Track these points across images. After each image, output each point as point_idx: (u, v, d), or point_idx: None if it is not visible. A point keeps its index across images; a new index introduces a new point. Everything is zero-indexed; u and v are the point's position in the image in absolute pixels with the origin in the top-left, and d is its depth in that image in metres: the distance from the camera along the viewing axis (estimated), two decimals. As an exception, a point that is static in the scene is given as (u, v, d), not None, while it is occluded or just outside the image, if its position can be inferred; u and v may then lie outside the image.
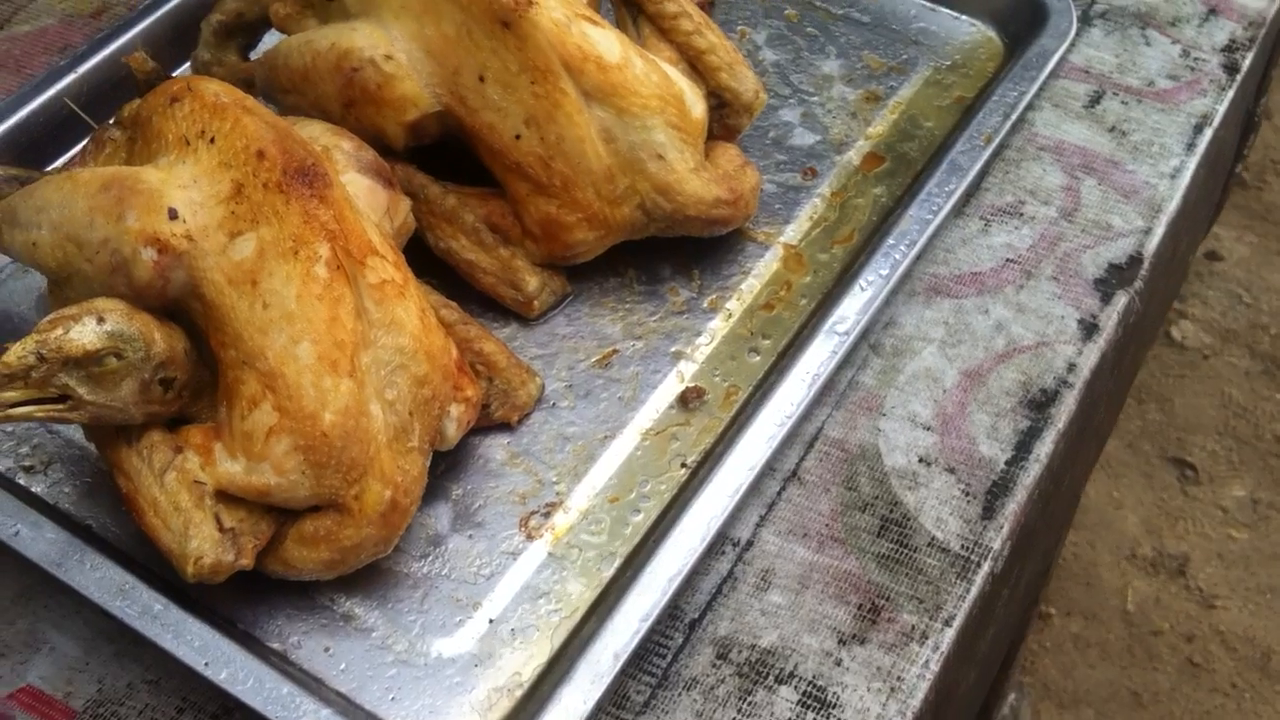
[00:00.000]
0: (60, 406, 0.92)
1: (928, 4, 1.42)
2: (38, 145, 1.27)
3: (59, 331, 0.90)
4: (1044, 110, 1.32)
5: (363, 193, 1.03)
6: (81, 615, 1.00)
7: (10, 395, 0.90)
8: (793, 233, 1.23)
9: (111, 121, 1.09)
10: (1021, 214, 1.22)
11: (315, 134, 1.06)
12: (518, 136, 1.11)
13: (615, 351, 1.15)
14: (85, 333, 0.91)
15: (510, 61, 1.09)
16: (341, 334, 0.93)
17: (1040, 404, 1.08)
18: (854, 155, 1.29)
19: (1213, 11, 1.41)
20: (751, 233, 1.22)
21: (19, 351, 0.89)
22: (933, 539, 1.00)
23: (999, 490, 1.02)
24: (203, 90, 1.00)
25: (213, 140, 0.98)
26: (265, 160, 0.95)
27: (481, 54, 1.10)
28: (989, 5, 1.39)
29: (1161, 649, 2.56)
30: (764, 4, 1.44)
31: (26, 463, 1.07)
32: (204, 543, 0.92)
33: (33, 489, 1.06)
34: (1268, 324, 3.10)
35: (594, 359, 1.14)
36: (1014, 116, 1.23)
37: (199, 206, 0.96)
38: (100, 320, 0.92)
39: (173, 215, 0.94)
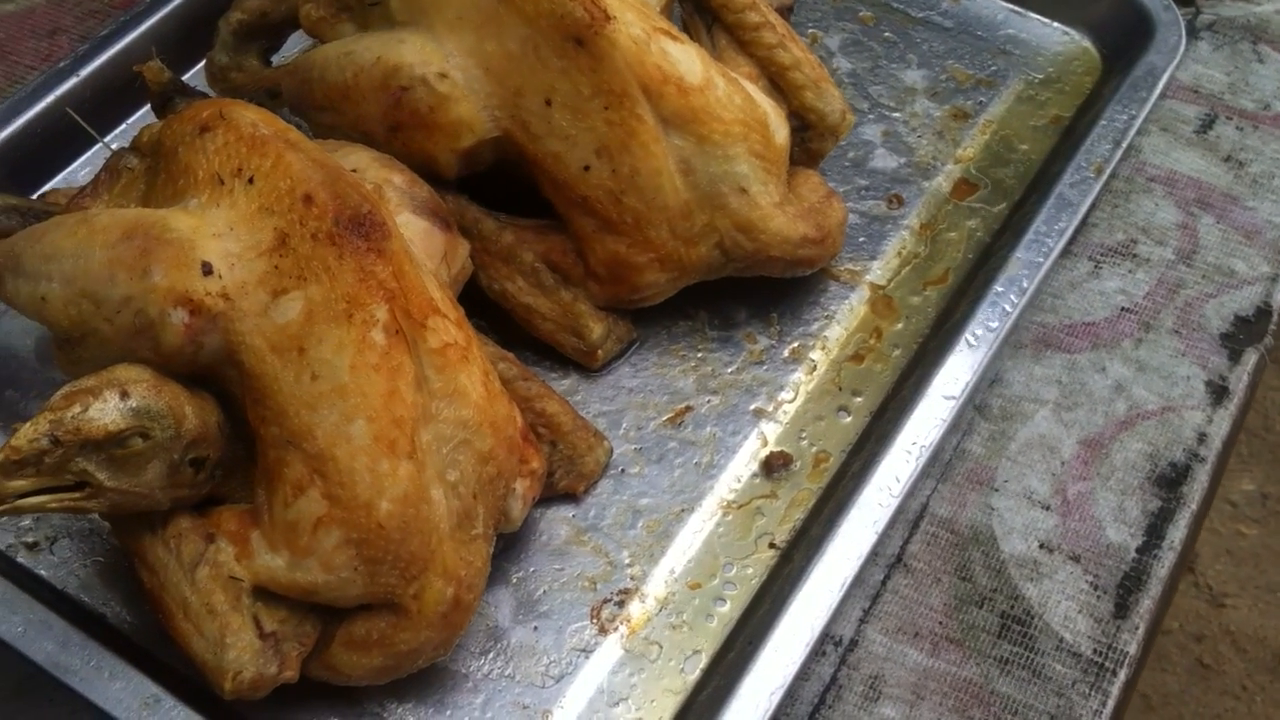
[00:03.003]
0: (77, 495, 0.80)
1: (1016, 9, 1.30)
2: (35, 159, 1.13)
3: (76, 410, 0.78)
4: (1152, 135, 1.20)
5: (418, 237, 0.91)
6: (93, 713, 0.88)
7: (19, 484, 0.78)
8: (880, 271, 1.11)
9: (129, 147, 0.95)
10: (1135, 255, 1.11)
11: (362, 166, 0.93)
12: (586, 168, 0.98)
13: (689, 408, 1.03)
14: (107, 411, 0.78)
15: (582, 84, 0.96)
16: (400, 410, 0.81)
17: (1171, 481, 0.97)
18: (943, 181, 1.17)
19: (1328, 24, 1.29)
20: (834, 271, 1.10)
21: (30, 434, 0.77)
22: (1061, 641, 0.89)
23: (1131, 583, 0.92)
24: (238, 119, 0.87)
25: (251, 180, 0.85)
26: (314, 206, 0.82)
27: (549, 74, 0.97)
28: (1084, 13, 1.27)
29: (1171, 649, 2.48)
30: (836, 4, 1.31)
31: (29, 539, 0.95)
32: (243, 653, 0.80)
33: (37, 571, 0.93)
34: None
35: (665, 417, 1.02)
36: (1125, 143, 1.11)
37: (236, 259, 0.83)
38: (124, 395, 0.79)
39: (207, 270, 0.82)
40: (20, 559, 0.94)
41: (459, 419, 0.85)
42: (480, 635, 0.91)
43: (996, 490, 0.97)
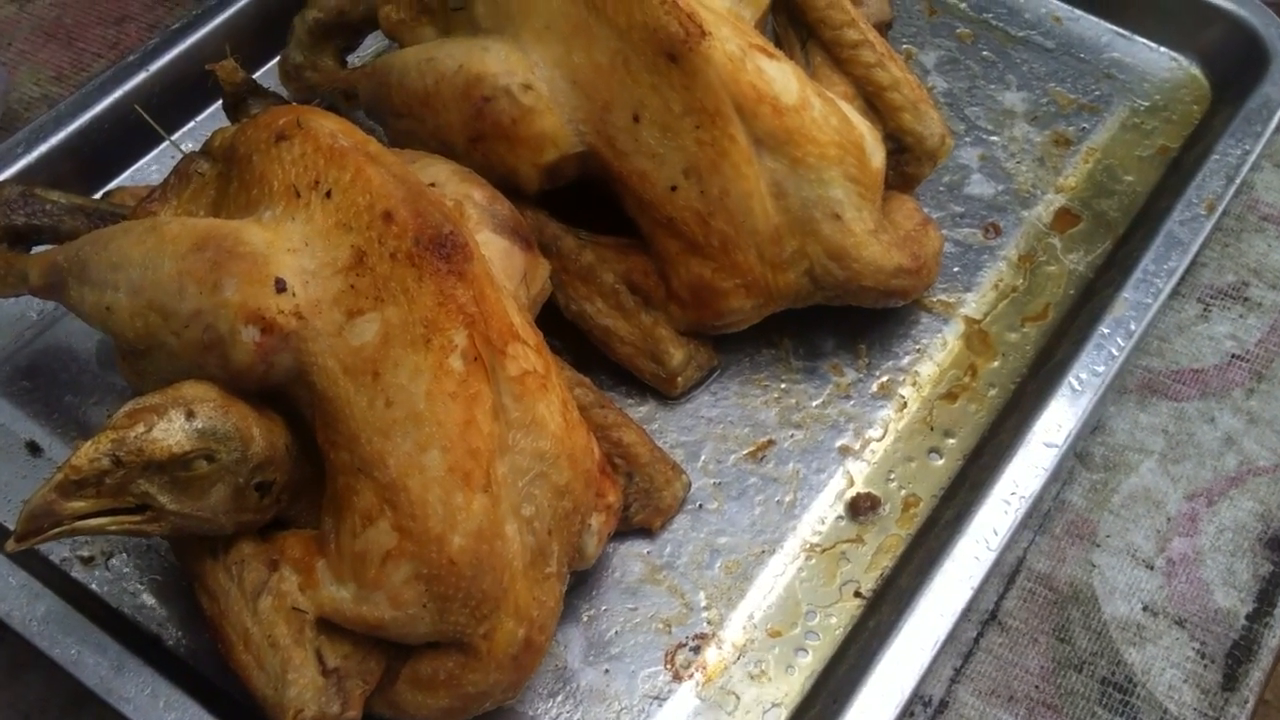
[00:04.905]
0: (137, 518, 0.76)
1: (1121, 31, 1.24)
2: (102, 155, 1.10)
3: (139, 429, 0.74)
4: (1265, 171, 1.14)
5: (498, 257, 0.86)
6: (144, 736, 0.85)
7: (78, 505, 0.74)
8: (975, 304, 1.05)
9: (200, 150, 0.91)
10: (1246, 298, 1.05)
11: (441, 179, 0.89)
12: (674, 188, 0.94)
13: (771, 442, 0.98)
14: (172, 431, 0.75)
15: (673, 100, 0.91)
16: (477, 440, 0.77)
17: (1284, 544, 0.91)
18: (1043, 211, 1.12)
19: None
20: (927, 302, 1.05)
21: (91, 453, 0.73)
22: (1165, 712, 0.84)
23: (1241, 653, 0.86)
24: (317, 129, 0.83)
25: (329, 194, 0.81)
26: (394, 224, 0.78)
27: (639, 90, 0.92)
28: (1194, 39, 1.21)
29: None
30: (932, 20, 1.26)
31: (84, 553, 0.91)
32: (305, 690, 0.77)
33: (90, 586, 0.90)
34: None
35: (746, 450, 0.98)
36: (1238, 180, 1.05)
37: (311, 276, 0.79)
38: (190, 415, 0.75)
39: (280, 287, 0.78)
40: (75, 574, 0.90)
41: (536, 450, 0.80)
42: (549, 677, 0.87)
43: (1098, 546, 0.91)
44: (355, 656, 0.79)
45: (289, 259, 0.79)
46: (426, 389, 0.76)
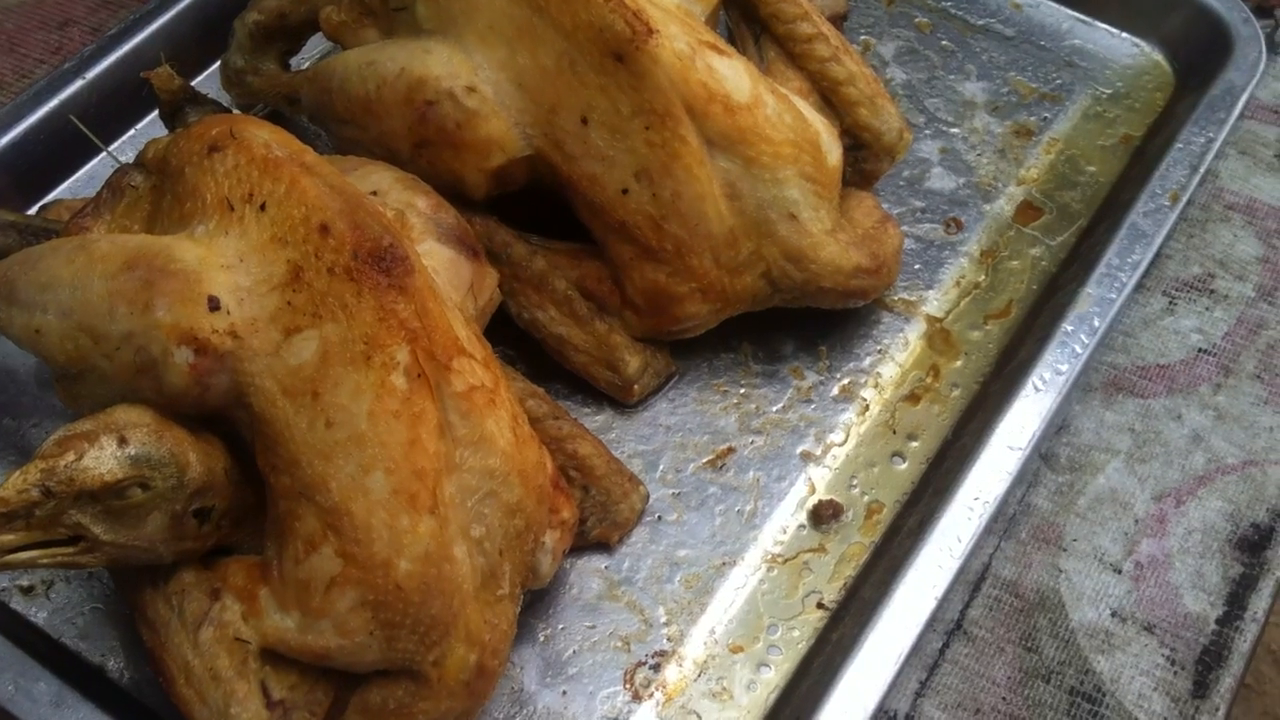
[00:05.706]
0: (71, 550, 0.74)
1: (1082, 18, 1.22)
2: (38, 167, 1.06)
3: (70, 458, 0.71)
4: (1230, 159, 1.12)
5: (443, 267, 0.84)
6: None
7: (8, 539, 0.72)
8: (937, 302, 1.03)
9: (134, 162, 0.88)
10: (1212, 290, 1.03)
11: (383, 188, 0.86)
12: (625, 191, 0.91)
13: (731, 450, 0.96)
14: (103, 459, 0.72)
15: (622, 102, 0.89)
16: (422, 460, 0.74)
17: (1253, 544, 0.89)
18: (1005, 204, 1.09)
19: None
20: (888, 301, 1.03)
21: (19, 484, 0.70)
22: (1134, 722, 0.82)
23: (1211, 659, 0.84)
24: (250, 139, 0.80)
25: (264, 207, 0.78)
26: (330, 237, 0.75)
27: (587, 91, 0.89)
28: (1156, 25, 1.19)
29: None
30: (890, 10, 1.23)
31: (24, 581, 0.89)
32: (249, 725, 0.74)
33: (30, 616, 0.87)
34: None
35: (705, 459, 0.95)
36: (1202, 169, 1.03)
37: (246, 294, 0.76)
38: (122, 442, 0.73)
39: (214, 305, 0.75)
40: (14, 604, 0.87)
41: (485, 468, 0.78)
42: (504, 700, 0.84)
43: (1064, 550, 0.89)
44: (302, 687, 0.77)
45: (223, 276, 0.76)
46: (368, 408, 0.74)
